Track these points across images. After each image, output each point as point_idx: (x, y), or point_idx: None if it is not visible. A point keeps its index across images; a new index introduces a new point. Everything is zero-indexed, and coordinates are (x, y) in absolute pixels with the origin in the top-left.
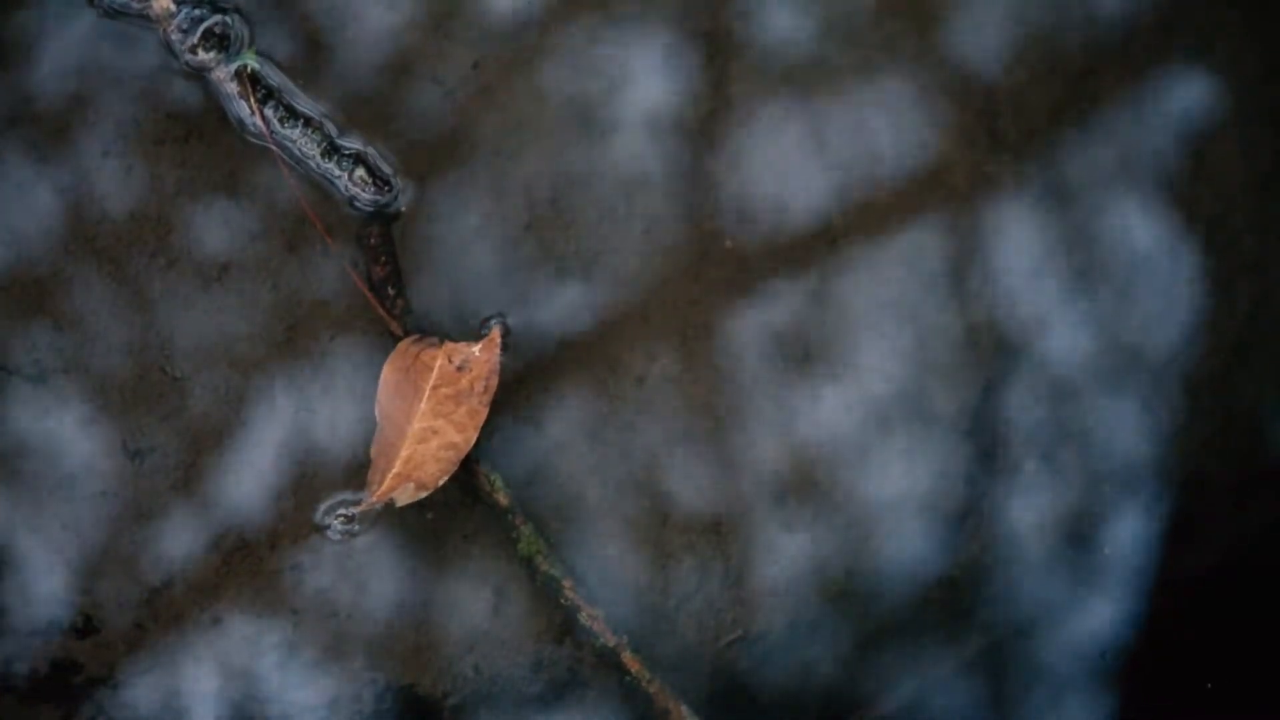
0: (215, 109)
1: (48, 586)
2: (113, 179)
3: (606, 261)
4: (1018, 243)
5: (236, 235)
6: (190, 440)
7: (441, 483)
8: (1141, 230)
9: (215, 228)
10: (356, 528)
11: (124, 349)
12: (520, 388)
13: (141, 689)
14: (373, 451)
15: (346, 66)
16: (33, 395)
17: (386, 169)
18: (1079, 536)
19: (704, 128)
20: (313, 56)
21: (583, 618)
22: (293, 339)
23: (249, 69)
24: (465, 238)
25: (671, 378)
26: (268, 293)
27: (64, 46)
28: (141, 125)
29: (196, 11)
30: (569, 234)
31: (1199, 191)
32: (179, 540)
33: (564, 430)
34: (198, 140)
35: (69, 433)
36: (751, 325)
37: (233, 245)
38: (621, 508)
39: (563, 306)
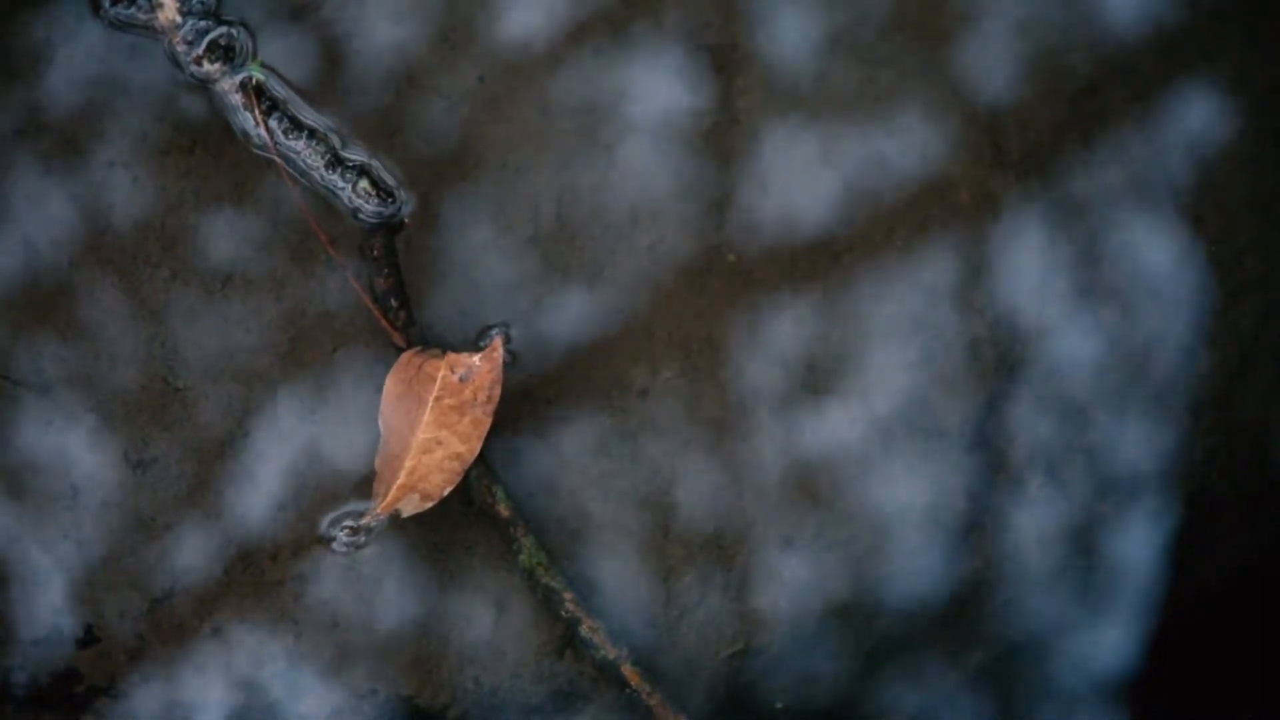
0: (220, 120)
1: (49, 596)
2: (118, 190)
3: (610, 274)
4: (1023, 258)
5: (240, 246)
6: (193, 451)
7: (447, 493)
8: (1146, 247)
9: (219, 239)
10: (362, 539)
11: (127, 359)
12: (523, 400)
13: (142, 699)
14: (377, 463)
15: (352, 79)
16: (36, 405)
17: (391, 181)
18: (1084, 551)
19: (710, 141)
20: (318, 68)
21: (584, 630)
22: (296, 350)
23: (254, 80)
24: (469, 250)
25: (675, 390)
26: (271, 304)
27: (70, 58)
28: (147, 136)
29: (202, 23)
30: (573, 246)
31: (1203, 209)
32: (181, 551)
33: (567, 442)
34: (203, 151)
35: (72, 443)
36: (755, 339)
37: (236, 256)
38: (623, 520)
39: (567, 319)
